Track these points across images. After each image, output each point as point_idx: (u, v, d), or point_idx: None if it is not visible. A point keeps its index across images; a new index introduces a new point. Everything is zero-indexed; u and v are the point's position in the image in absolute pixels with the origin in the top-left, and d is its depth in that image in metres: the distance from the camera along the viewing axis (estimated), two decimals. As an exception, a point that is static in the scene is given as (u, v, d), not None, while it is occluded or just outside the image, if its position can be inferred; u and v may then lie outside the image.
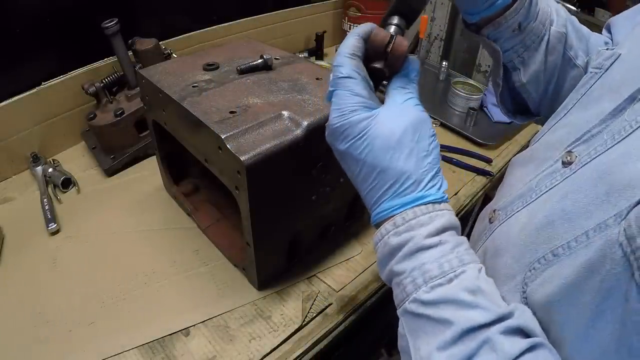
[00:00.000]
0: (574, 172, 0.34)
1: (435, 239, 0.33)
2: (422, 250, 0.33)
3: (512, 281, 0.34)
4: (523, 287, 0.33)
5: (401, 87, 0.37)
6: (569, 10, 1.09)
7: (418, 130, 0.35)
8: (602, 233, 0.27)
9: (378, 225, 0.36)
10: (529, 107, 0.56)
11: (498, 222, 0.40)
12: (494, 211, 0.41)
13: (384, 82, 0.40)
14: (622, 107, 0.33)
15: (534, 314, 0.31)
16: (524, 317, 0.30)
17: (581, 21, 0.52)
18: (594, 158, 0.32)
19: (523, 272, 0.33)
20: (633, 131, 0.30)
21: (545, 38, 0.48)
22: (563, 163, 0.35)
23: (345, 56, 0.36)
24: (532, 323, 0.30)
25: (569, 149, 0.36)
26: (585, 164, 0.33)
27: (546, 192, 0.35)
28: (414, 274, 0.32)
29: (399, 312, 0.34)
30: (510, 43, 0.49)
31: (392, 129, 0.34)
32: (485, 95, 1.06)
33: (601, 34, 0.53)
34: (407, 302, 0.32)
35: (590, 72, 0.41)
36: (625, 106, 0.32)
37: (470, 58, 1.20)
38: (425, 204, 0.34)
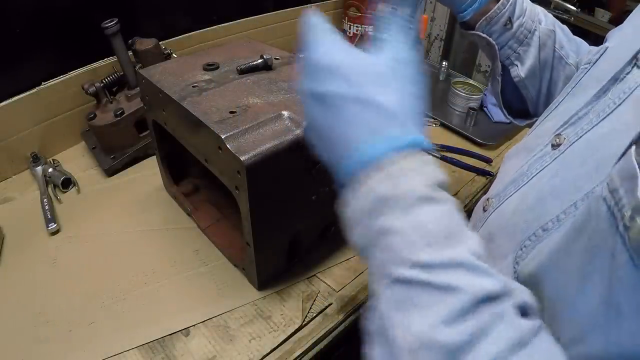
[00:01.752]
0: (562, 153, 0.35)
1: (436, 194, 0.28)
2: (421, 204, 0.27)
3: (504, 261, 0.34)
4: (514, 266, 0.33)
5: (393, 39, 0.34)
6: (569, 10, 1.09)
7: (406, 69, 0.32)
8: (590, 199, 0.26)
9: (352, 182, 0.31)
10: (528, 109, 0.58)
11: (492, 208, 0.40)
12: (488, 199, 0.42)
13: None
14: (605, 88, 0.34)
15: None
16: (527, 292, 0.28)
17: (581, 21, 0.54)
18: (581, 136, 0.33)
19: (515, 251, 0.34)
20: (617, 107, 0.31)
21: (537, 33, 0.51)
22: (552, 146, 0.36)
23: (313, 18, 0.33)
24: (533, 300, 0.28)
25: (557, 132, 0.37)
26: (573, 142, 0.34)
27: (537, 174, 0.36)
28: (411, 232, 0.27)
29: (381, 284, 0.28)
30: (504, 38, 0.52)
31: (379, 64, 0.31)
32: (485, 95, 1.06)
33: (600, 34, 0.54)
34: (399, 268, 0.26)
35: (582, 68, 0.42)
36: (609, 87, 0.34)
37: (470, 58, 1.19)
38: (417, 151, 0.29)
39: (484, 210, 0.42)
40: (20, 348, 0.52)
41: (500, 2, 0.50)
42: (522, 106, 0.58)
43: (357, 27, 1.28)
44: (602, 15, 1.57)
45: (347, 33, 1.32)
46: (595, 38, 0.55)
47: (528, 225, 0.33)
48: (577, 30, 0.58)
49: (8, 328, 0.55)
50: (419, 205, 0.27)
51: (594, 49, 0.43)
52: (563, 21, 0.57)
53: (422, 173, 0.28)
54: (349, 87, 0.30)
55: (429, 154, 0.30)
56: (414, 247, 0.26)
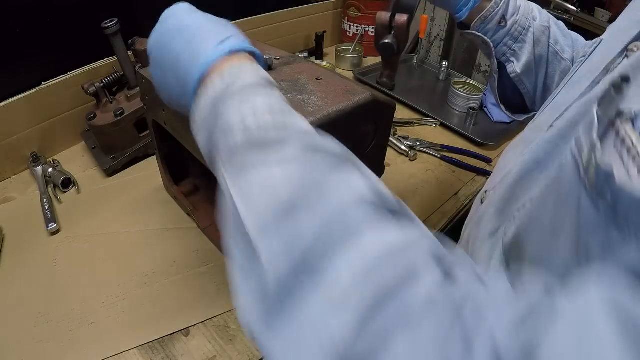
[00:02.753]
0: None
1: (266, 83, 0.33)
2: (255, 91, 0.31)
3: (493, 237, 0.35)
4: (503, 239, 0.34)
5: None
6: (569, 10, 1.09)
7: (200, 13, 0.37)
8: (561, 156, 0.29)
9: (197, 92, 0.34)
10: (526, 104, 0.60)
11: (489, 200, 0.41)
12: (485, 192, 0.43)
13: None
14: (597, 79, 0.34)
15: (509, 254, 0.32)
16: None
17: (581, 21, 0.55)
18: None
19: (504, 224, 0.35)
20: None
21: (531, 30, 0.53)
22: None
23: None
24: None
25: (552, 124, 0.37)
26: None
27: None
28: (247, 111, 0.29)
29: (222, 160, 0.29)
30: (499, 36, 0.54)
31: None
32: (485, 95, 1.06)
33: (600, 34, 0.54)
34: (238, 136, 0.28)
35: (577, 62, 0.44)
36: (601, 78, 0.34)
37: (470, 58, 1.19)
38: (242, 54, 0.35)
39: (482, 202, 0.43)
40: (21, 348, 0.52)
41: (493, 1, 0.52)
42: (521, 101, 0.60)
43: (357, 27, 1.28)
44: (602, 15, 1.57)
45: (347, 33, 1.32)
46: (595, 38, 0.55)
47: (518, 198, 0.34)
48: (577, 30, 0.58)
49: (8, 328, 0.55)
50: (252, 91, 0.31)
51: (590, 42, 0.43)
52: (563, 21, 0.57)
53: (249, 70, 0.33)
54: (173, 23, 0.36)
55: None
56: (250, 118, 0.29)
